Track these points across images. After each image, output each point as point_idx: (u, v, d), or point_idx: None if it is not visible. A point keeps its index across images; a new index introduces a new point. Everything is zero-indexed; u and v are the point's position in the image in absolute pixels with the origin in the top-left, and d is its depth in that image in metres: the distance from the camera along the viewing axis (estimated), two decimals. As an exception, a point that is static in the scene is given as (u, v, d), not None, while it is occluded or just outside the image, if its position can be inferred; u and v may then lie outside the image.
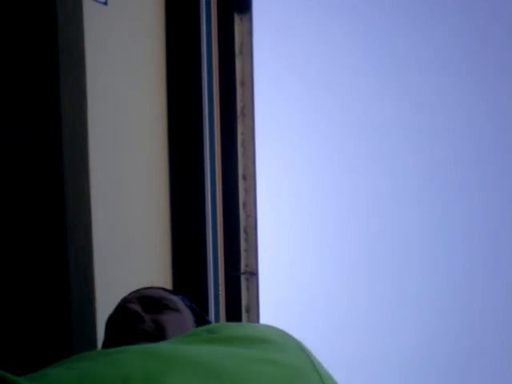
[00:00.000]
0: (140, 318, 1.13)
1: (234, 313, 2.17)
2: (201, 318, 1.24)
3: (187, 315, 1.21)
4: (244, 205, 2.21)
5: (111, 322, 1.21)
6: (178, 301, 1.22)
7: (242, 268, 2.21)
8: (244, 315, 2.22)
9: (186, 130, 2.03)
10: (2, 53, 1.30)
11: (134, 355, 0.88)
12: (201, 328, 1.06)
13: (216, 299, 2.08)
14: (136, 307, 1.16)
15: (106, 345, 1.19)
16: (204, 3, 2.04)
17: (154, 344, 1.01)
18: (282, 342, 0.98)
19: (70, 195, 1.31)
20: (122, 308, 1.18)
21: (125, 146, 1.79)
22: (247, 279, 2.22)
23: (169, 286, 2.01)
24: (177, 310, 1.19)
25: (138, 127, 1.89)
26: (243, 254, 2.21)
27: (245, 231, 2.21)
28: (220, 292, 2.10)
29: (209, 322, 1.25)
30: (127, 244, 1.78)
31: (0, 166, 1.31)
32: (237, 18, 2.17)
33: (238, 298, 2.20)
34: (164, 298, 1.20)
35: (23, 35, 1.29)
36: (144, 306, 1.18)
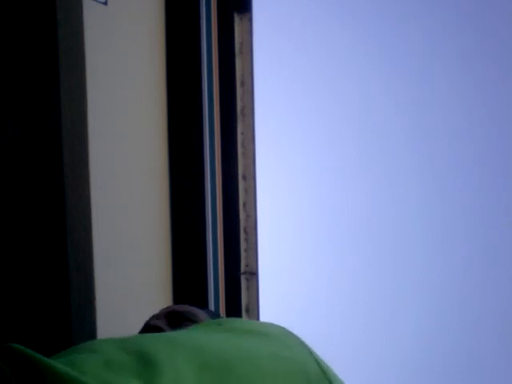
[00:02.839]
0: (160, 331, 1.14)
1: (234, 313, 2.17)
2: None
3: None
4: (244, 205, 2.20)
5: None
6: (203, 316, 1.22)
7: (242, 268, 2.21)
8: (244, 315, 2.22)
9: (186, 130, 2.03)
10: (1, 53, 1.30)
11: (151, 339, 0.92)
12: (211, 321, 1.11)
13: (216, 299, 2.08)
14: (159, 322, 1.17)
15: None
16: (204, 3, 2.04)
17: (168, 332, 1.05)
18: (284, 339, 1.02)
19: (70, 195, 1.31)
20: (147, 324, 1.20)
21: (125, 145, 1.79)
22: (247, 279, 2.22)
23: (169, 286, 2.01)
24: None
25: (138, 127, 1.89)
26: (243, 254, 2.21)
27: (245, 231, 2.21)
28: (220, 292, 2.10)
29: None
30: (127, 244, 1.78)
31: None
32: (237, 18, 2.17)
33: (238, 297, 2.20)
34: (189, 312, 1.20)
35: (23, 35, 1.30)
36: (170, 320, 1.19)
